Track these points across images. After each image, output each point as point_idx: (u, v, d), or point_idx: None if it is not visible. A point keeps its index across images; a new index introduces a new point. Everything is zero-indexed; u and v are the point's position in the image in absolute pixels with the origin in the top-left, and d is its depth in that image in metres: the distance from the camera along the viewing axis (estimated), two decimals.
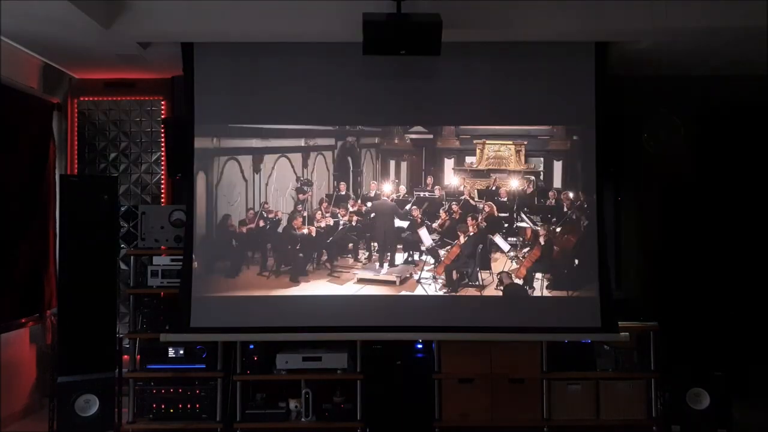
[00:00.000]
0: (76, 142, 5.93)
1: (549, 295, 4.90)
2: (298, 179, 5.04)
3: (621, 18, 4.54)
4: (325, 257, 4.99)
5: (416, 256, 5.02)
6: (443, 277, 4.95)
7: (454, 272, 4.96)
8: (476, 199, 5.05)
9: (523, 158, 5.06)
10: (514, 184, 5.07)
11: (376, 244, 5.01)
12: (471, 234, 4.98)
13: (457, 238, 4.98)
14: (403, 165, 5.06)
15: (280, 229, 5.00)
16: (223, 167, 5.01)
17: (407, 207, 4.99)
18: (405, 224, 5.02)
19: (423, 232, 5.00)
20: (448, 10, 4.34)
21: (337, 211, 5.03)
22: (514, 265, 4.96)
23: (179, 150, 5.07)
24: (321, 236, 5.00)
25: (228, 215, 4.99)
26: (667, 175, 5.38)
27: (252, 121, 4.99)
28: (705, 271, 4.89)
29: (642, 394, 5.06)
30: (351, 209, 5.03)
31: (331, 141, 5.06)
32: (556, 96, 4.97)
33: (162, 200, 5.93)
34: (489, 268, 4.96)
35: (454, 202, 5.03)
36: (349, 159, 5.07)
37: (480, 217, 5.00)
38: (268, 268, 4.98)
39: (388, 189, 5.05)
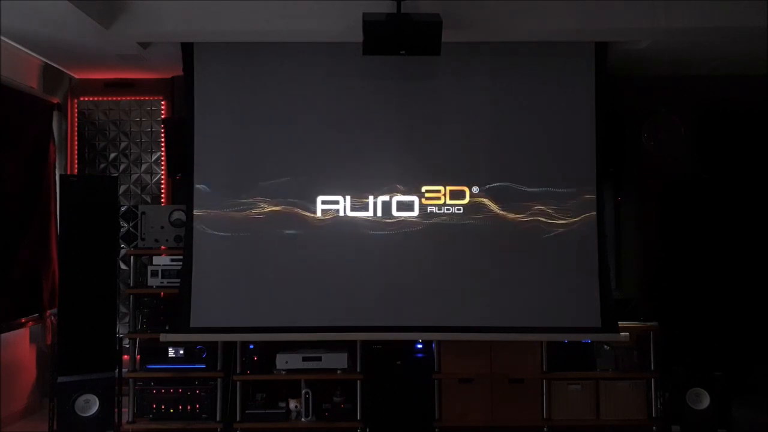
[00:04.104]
0: (76, 142, 5.93)
1: (549, 295, 4.89)
2: None
3: (621, 18, 4.54)
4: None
5: None
6: None
7: None
8: None
9: None
10: None
11: None
12: None
13: None
14: None
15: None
16: None
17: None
18: None
19: None
20: (448, 10, 4.35)
21: None
22: None
23: (179, 150, 5.08)
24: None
25: None
26: (667, 175, 5.38)
27: (252, 121, 4.99)
28: (705, 270, 4.89)
29: (642, 394, 5.07)
30: None
31: None
32: (556, 96, 4.97)
33: (162, 200, 5.94)
34: None
35: None
36: None
37: None
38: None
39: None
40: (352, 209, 4.97)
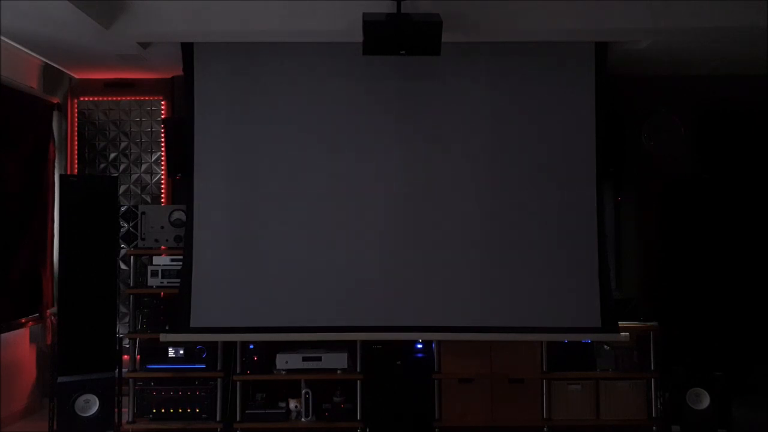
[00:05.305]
0: (76, 142, 5.93)
1: (549, 295, 4.89)
2: None
3: (621, 18, 4.54)
4: None
5: None
6: None
7: None
8: None
9: None
10: None
11: None
12: None
13: None
14: None
15: None
16: None
17: None
18: None
19: None
20: (448, 10, 4.35)
21: None
22: None
23: (179, 150, 5.08)
24: None
25: None
26: (667, 175, 5.38)
27: (252, 121, 4.98)
28: (705, 270, 4.90)
29: (642, 394, 5.07)
30: None
31: None
32: (556, 96, 4.97)
33: (162, 200, 5.94)
34: None
35: None
36: None
37: None
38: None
39: None
40: (352, 208, 4.96)
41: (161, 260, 5.19)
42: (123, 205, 5.82)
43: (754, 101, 5.65)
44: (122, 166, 5.95)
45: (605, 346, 5.12)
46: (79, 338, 4.79)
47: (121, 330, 5.41)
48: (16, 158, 5.22)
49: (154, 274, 5.14)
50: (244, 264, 4.93)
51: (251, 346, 5.06)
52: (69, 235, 4.84)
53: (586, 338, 5.04)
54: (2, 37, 4.73)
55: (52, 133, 5.71)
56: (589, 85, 4.96)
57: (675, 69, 5.57)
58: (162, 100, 5.94)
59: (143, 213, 5.20)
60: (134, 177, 5.95)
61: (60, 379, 4.75)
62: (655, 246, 5.43)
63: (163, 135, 5.77)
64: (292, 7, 4.52)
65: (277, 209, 4.95)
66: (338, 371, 5.03)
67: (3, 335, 5.06)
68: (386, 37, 4.25)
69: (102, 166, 5.93)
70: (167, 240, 5.16)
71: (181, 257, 4.99)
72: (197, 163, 4.97)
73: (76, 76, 5.89)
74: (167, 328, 4.99)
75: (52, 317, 5.41)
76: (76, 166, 5.92)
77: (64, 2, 4.00)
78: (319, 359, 5.02)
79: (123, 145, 5.95)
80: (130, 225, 5.84)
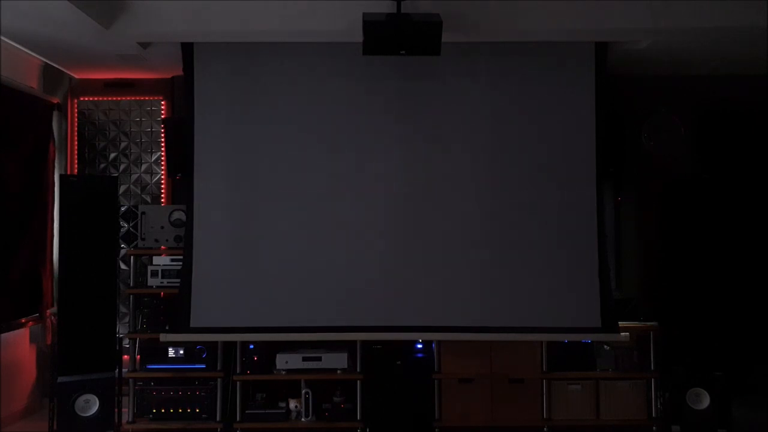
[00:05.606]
0: (76, 142, 5.94)
1: (549, 295, 4.89)
2: None
3: (621, 18, 4.54)
4: None
5: None
6: None
7: None
8: None
9: None
10: None
11: None
12: None
13: None
14: None
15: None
16: None
17: None
18: None
19: None
20: (448, 10, 4.35)
21: None
22: None
23: (179, 150, 5.08)
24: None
25: None
26: (667, 175, 5.39)
27: (252, 121, 4.98)
28: (705, 270, 4.90)
29: (642, 394, 5.07)
30: None
31: None
32: (556, 96, 4.97)
33: (162, 200, 5.94)
34: None
35: None
36: None
37: None
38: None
39: None
40: (352, 208, 4.96)
41: (161, 260, 5.19)
42: (123, 205, 5.83)
43: (754, 101, 5.65)
44: (122, 166, 5.95)
45: (605, 346, 5.12)
46: (79, 338, 4.79)
47: (121, 330, 5.41)
48: (16, 158, 5.22)
49: (154, 274, 5.14)
50: (244, 264, 4.93)
51: (251, 346, 5.06)
52: (69, 235, 4.84)
53: (586, 338, 5.04)
54: (2, 37, 4.73)
55: (52, 133, 5.71)
56: (589, 85, 4.96)
57: (675, 69, 5.57)
58: (162, 100, 5.95)
59: (143, 213, 5.20)
60: (134, 177, 5.95)
61: (60, 379, 4.76)
62: (655, 246, 5.44)
63: (163, 135, 5.77)
64: (292, 7, 4.52)
65: (277, 209, 4.95)
66: (338, 371, 5.03)
67: (3, 335, 5.06)
68: (386, 37, 4.25)
69: (102, 166, 5.93)
70: (167, 240, 5.16)
71: (181, 257, 4.99)
72: (197, 163, 4.97)
73: (76, 76, 5.89)
74: (167, 328, 4.99)
75: (52, 317, 5.41)
76: (76, 166, 5.92)
77: (64, 2, 4.00)
78: (319, 359, 5.02)
79: (123, 145, 5.96)
80: (130, 225, 5.84)
